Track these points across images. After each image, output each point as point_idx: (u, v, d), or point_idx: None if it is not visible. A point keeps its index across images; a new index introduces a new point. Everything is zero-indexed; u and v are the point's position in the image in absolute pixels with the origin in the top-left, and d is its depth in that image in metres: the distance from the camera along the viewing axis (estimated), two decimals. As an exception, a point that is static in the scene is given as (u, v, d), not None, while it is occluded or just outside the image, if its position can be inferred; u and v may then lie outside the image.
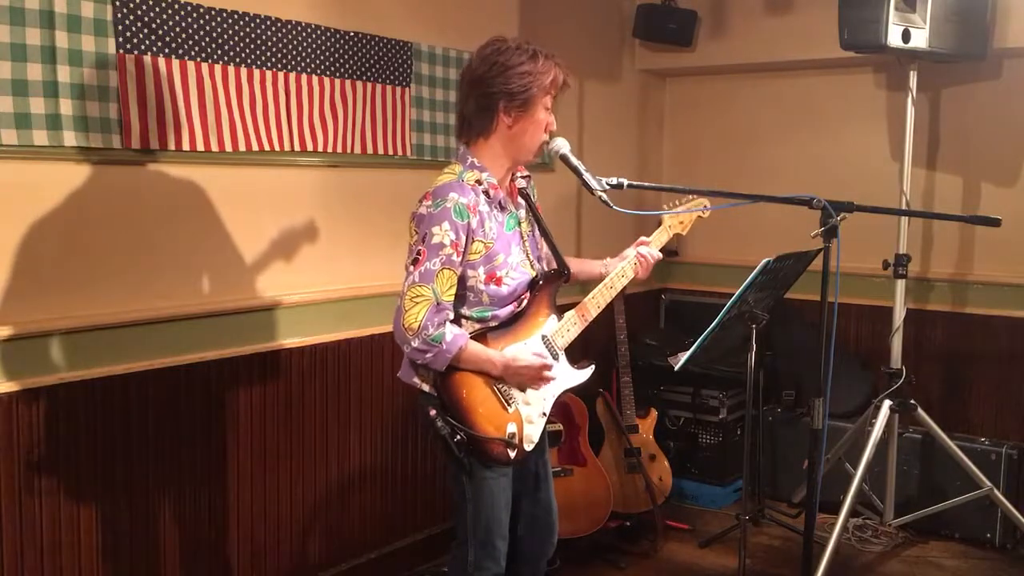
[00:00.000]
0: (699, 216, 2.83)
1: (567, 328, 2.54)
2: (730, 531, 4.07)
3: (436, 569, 3.73)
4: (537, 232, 2.61)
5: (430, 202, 2.34)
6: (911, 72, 3.91)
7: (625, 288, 2.68)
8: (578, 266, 2.72)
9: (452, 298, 2.35)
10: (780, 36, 4.58)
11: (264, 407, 3.19)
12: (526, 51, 2.40)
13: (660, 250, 2.73)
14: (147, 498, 2.88)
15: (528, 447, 2.44)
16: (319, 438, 3.38)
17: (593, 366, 2.62)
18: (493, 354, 2.38)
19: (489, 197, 2.42)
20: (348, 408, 3.47)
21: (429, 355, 2.29)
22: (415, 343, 2.28)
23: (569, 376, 2.57)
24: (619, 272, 2.63)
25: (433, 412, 2.35)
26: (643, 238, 2.74)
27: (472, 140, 2.47)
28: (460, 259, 2.34)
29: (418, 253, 2.31)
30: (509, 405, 2.42)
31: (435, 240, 2.30)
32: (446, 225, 2.30)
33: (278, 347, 3.22)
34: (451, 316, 2.35)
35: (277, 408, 3.23)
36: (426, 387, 2.42)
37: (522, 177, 2.59)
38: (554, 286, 2.57)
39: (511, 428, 2.40)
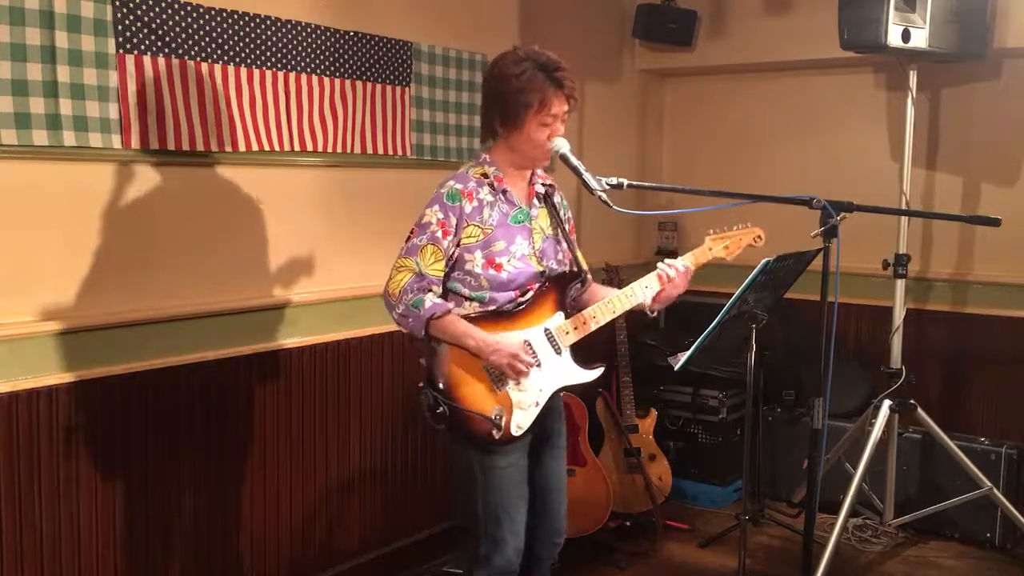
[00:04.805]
0: (751, 245, 2.66)
1: (573, 326, 2.54)
2: (730, 531, 4.07)
3: (436, 569, 3.73)
4: (561, 237, 2.65)
5: (435, 191, 2.50)
6: (911, 72, 3.91)
7: (651, 307, 2.62)
8: (602, 292, 2.69)
9: (438, 273, 2.45)
10: (780, 36, 4.58)
11: (264, 407, 3.19)
12: (518, 70, 2.41)
13: (659, 252, 2.73)
14: (146, 498, 2.88)
15: (516, 432, 2.45)
16: (319, 438, 3.38)
17: (603, 368, 2.60)
18: (472, 329, 2.43)
19: (494, 188, 2.50)
20: (348, 408, 3.47)
21: (410, 320, 2.41)
22: (399, 308, 2.42)
23: (573, 373, 2.56)
24: (640, 283, 2.59)
25: (421, 384, 2.46)
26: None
27: (486, 141, 2.61)
28: (451, 238, 2.45)
29: (411, 231, 2.49)
30: (498, 386, 2.45)
31: (425, 220, 2.46)
32: (436, 207, 2.46)
33: (278, 347, 3.22)
34: (436, 289, 2.45)
35: (277, 408, 3.23)
36: (424, 361, 2.50)
37: (542, 184, 2.64)
38: (565, 285, 2.59)
39: (496, 409, 2.43)
